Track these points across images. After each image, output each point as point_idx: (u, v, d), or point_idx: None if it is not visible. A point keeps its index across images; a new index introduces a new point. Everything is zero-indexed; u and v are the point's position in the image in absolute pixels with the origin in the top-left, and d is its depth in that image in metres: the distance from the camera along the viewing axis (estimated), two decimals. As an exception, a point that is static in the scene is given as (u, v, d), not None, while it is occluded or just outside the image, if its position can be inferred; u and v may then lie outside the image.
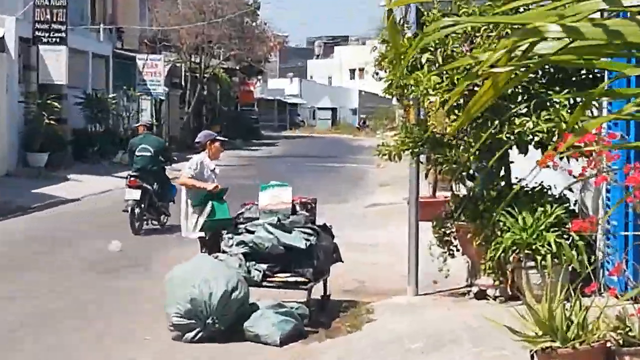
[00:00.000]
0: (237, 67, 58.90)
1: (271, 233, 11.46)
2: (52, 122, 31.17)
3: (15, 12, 31.92)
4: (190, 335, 10.21)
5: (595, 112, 9.10)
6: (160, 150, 20.32)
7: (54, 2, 32.54)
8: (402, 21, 12.97)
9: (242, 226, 11.80)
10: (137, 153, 19.61)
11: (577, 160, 9.39)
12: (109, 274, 14.33)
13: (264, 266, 11.34)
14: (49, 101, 31.23)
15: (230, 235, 11.75)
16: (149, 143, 19.82)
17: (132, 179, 19.02)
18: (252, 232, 11.56)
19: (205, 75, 52.14)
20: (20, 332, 10.71)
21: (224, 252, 11.61)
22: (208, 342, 10.12)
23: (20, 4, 33.13)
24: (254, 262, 11.33)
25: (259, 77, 72.28)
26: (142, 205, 18.89)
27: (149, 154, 19.49)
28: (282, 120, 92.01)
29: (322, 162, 40.95)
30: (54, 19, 32.29)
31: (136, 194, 18.70)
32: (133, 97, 41.58)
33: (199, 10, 48.76)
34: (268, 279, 11.34)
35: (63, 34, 32.42)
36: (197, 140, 13.77)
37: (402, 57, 11.43)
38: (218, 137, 13.84)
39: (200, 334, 10.20)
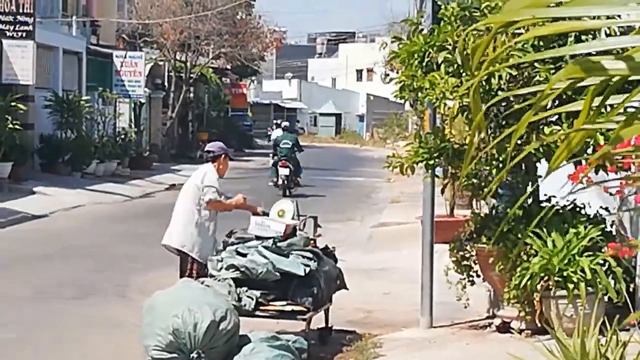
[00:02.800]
0: (229, 67, 58.98)
1: (266, 257, 11.46)
2: (16, 127, 31.15)
3: (-24, 2, 32.04)
4: (171, 372, 10.21)
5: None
6: (295, 144, 34.43)
7: (19, -9, 32.61)
8: (417, 15, 13.03)
9: (233, 248, 11.81)
10: (281, 145, 34.04)
11: (616, 174, 9.40)
12: (77, 301, 14.29)
13: (257, 293, 11.33)
14: (13, 103, 31.16)
15: (219, 258, 11.74)
16: (288, 139, 34.76)
17: (282, 161, 33.06)
18: (245, 255, 11.55)
19: (192, 75, 52.17)
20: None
21: (212, 276, 11.60)
22: (192, 381, 10.12)
23: (-19, -8, 33.23)
24: (245, 289, 11.32)
25: (253, 78, 72.61)
26: (289, 178, 32.86)
27: (288, 145, 33.80)
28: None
29: (324, 175, 41.01)
30: (20, 10, 32.23)
31: (286, 171, 32.81)
32: (109, 100, 41.53)
33: (185, 1, 48.81)
34: (261, 308, 11.32)
35: (30, 27, 32.38)
36: (209, 149, 13.73)
37: (417, 56, 11.53)
38: (227, 152, 13.78)
39: (183, 371, 10.20)
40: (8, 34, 32.01)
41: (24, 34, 32.25)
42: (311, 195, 32.41)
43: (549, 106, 11.26)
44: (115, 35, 48.06)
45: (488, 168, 11.61)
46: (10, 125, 30.75)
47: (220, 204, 12.91)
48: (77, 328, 12.57)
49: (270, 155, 36.49)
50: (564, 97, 11.19)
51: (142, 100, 45.65)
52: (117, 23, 48.29)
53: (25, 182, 30.69)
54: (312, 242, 12.20)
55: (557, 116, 11.21)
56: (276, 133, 39.14)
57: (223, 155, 13.33)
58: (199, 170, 13.24)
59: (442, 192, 15.17)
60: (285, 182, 32.56)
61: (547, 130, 11.04)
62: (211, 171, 13.02)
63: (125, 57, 43.63)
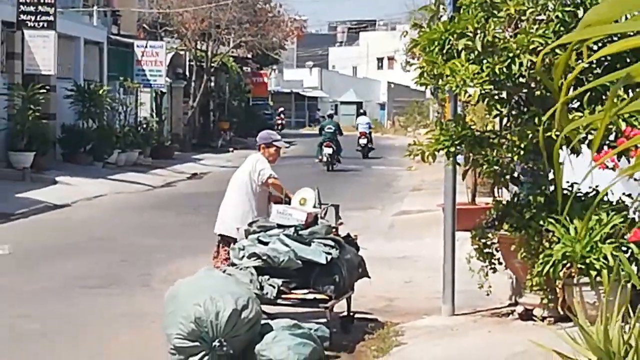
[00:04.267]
0: (249, 56, 59.05)
1: (287, 245, 11.46)
2: (38, 117, 31.26)
3: (-3, -8, 32.10)
4: (194, 359, 10.22)
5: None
6: (337, 128, 42.12)
7: (41, -17, 32.62)
8: (437, 2, 12.99)
9: (254, 236, 11.80)
10: (325, 130, 41.90)
11: None
12: (101, 290, 14.32)
13: (279, 281, 11.33)
14: (35, 93, 31.21)
15: (241, 246, 11.74)
16: (332, 124, 42.52)
17: (326, 142, 40.31)
18: (266, 244, 11.55)
19: (213, 64, 52.22)
20: (6, 353, 10.73)
21: (233, 265, 11.61)
22: (215, 368, 10.13)
23: (3, -17, 33.29)
24: (267, 277, 11.32)
25: (274, 67, 72.65)
26: (333, 156, 39.85)
27: (332, 130, 41.45)
28: (300, 116, 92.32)
29: (345, 163, 40.98)
30: (41, 1, 32.25)
31: (330, 150, 39.87)
32: (130, 90, 41.56)
33: (205, -8, 48.86)
34: (283, 296, 11.33)
35: (51, 18, 32.38)
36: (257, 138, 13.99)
37: (437, 43, 11.50)
38: (275, 142, 13.73)
39: (205, 358, 10.20)
40: (29, 24, 32.02)
41: (46, 24, 32.24)
42: (351, 170, 40.27)
43: (570, 92, 11.26)
44: (136, 25, 48.11)
45: (510, 155, 11.59)
46: (33, 116, 30.91)
47: (279, 183, 12.98)
48: (101, 318, 12.59)
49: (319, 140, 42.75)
50: (586, 84, 11.18)
51: (164, 90, 45.70)
52: (137, 13, 48.39)
53: (48, 172, 30.76)
54: (333, 230, 12.21)
55: (578, 103, 11.19)
56: (325, 122, 44.70)
57: (263, 145, 13.36)
58: (248, 160, 13.52)
59: (463, 178, 15.16)
60: (329, 159, 39.72)
61: (569, 117, 10.99)
62: (261, 159, 13.16)
63: (146, 46, 43.65)
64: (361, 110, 60.75)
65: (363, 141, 47.73)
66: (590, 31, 2.16)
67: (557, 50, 10.77)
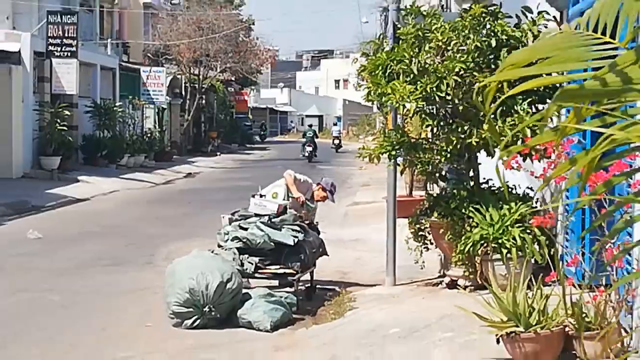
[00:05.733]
0: (233, 79, 58.94)
1: (262, 230, 11.48)
2: (63, 128, 31.22)
3: (30, 28, 31.97)
4: (188, 322, 10.20)
5: (555, 120, 9.15)
6: (314, 134, 48.42)
7: (65, 19, 32.56)
8: (381, 36, 13.00)
9: (236, 223, 11.81)
10: (307, 135, 47.80)
11: (539, 161, 9.41)
12: (114, 267, 14.29)
13: (256, 259, 11.35)
14: (60, 109, 31.23)
15: (225, 231, 11.75)
16: (310, 131, 48.55)
17: (308, 143, 46.19)
18: (246, 229, 11.56)
19: (204, 85, 52.16)
20: (18, 320, 10.67)
21: (220, 246, 11.61)
22: (205, 329, 10.12)
23: (35, 21, 33.13)
24: (247, 256, 11.34)
25: (253, 87, 72.44)
26: (312, 152, 45.39)
27: (311, 135, 47.47)
28: (273, 127, 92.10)
29: (310, 165, 41.00)
30: (66, 35, 32.27)
31: (310, 149, 45.67)
32: (137, 106, 41.48)
33: (197, 26, 48.75)
34: (259, 271, 11.36)
35: (74, 49, 32.40)
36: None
37: (381, 68, 11.51)
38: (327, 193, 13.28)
39: (197, 321, 10.19)
40: (56, 53, 32.10)
41: (69, 54, 32.30)
42: (322, 163, 43.11)
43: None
44: (142, 54, 48.04)
45: (439, 157, 11.63)
46: (59, 127, 30.91)
47: (293, 180, 12.86)
48: (112, 290, 12.55)
49: (302, 144, 48.50)
50: (499, 100, 11.20)
51: (164, 106, 45.61)
52: (143, 44, 48.24)
53: (71, 173, 30.66)
54: (300, 218, 12.22)
55: (493, 115, 11.20)
56: (306, 130, 51.00)
57: (322, 187, 13.12)
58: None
59: (402, 173, 15.18)
60: (310, 154, 45.71)
61: (485, 127, 11.03)
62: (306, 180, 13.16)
63: (150, 71, 43.65)
64: (334, 122, 70.79)
65: (336, 142, 58.30)
66: (510, 74, 2.23)
67: (475, 73, 10.87)
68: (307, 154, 46.04)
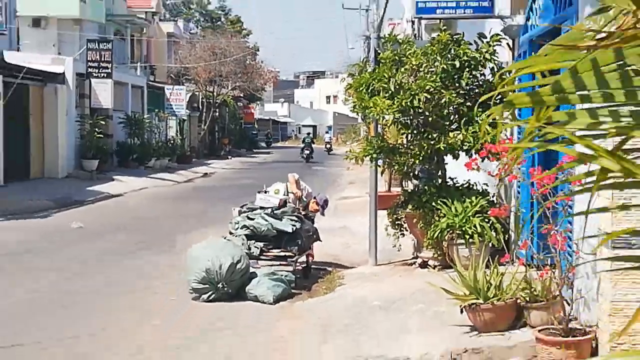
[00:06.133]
0: (241, 95, 58.84)
1: (266, 220, 11.49)
2: (100, 136, 31.26)
3: (73, 54, 32.06)
4: (205, 296, 10.21)
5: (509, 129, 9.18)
6: (311, 140, 48.85)
7: (102, 46, 32.58)
8: (365, 60, 13.02)
9: (245, 214, 11.81)
10: (305, 140, 48.45)
11: (496, 163, 9.42)
12: (144, 251, 14.29)
13: (261, 244, 11.37)
14: (98, 121, 31.27)
15: (236, 221, 11.76)
16: (308, 138, 49.15)
17: (306, 147, 46.88)
18: (252, 219, 11.57)
19: (217, 101, 52.05)
20: (67, 295, 10.68)
21: (231, 233, 11.62)
22: (219, 302, 10.13)
23: (77, 47, 33.21)
24: (253, 241, 11.35)
25: (258, 102, 72.41)
26: (309, 154, 45.76)
27: (309, 140, 48.09)
28: (275, 135, 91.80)
29: (306, 166, 40.98)
30: (102, 59, 32.24)
31: (308, 151, 46.10)
32: (162, 118, 41.46)
33: (212, 52, 48.72)
34: (264, 254, 11.37)
35: (109, 70, 32.37)
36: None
37: (364, 86, 11.53)
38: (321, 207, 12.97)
39: (212, 296, 10.20)
40: (94, 74, 32.07)
41: (105, 75, 32.26)
42: (317, 164, 42.71)
43: (452, 118, 11.32)
44: (165, 75, 47.98)
45: (412, 160, 11.65)
46: (97, 136, 30.93)
47: (295, 182, 12.78)
48: (142, 270, 12.56)
49: (300, 147, 49.82)
50: (462, 112, 11.24)
51: (184, 118, 45.54)
52: (167, 67, 48.20)
53: (107, 173, 30.63)
54: (297, 210, 12.22)
55: (457, 125, 11.25)
56: (304, 137, 51.56)
57: (316, 201, 12.81)
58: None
59: (382, 173, 15.18)
60: (307, 156, 46.34)
61: (451, 134, 11.07)
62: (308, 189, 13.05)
63: (172, 89, 43.59)
64: (326, 130, 72.95)
65: (328, 146, 60.22)
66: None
67: (443, 91, 10.89)
68: (305, 156, 46.62)
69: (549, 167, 5.97)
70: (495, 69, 11.11)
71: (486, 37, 11.28)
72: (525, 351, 7.18)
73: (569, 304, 7.23)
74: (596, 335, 6.76)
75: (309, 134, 54.44)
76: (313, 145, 49.61)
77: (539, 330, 7.08)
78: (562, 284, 7.25)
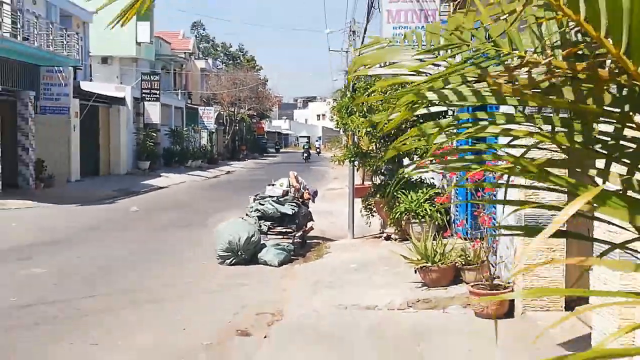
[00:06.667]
0: (255, 114, 58.73)
1: (273, 205, 11.48)
2: (151, 144, 31.20)
3: (131, 83, 31.92)
4: (228, 261, 10.21)
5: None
6: (309, 146, 49.28)
7: (152, 77, 32.48)
8: (345, 88, 13.01)
9: (257, 201, 11.80)
10: (304, 147, 49.33)
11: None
12: (183, 228, 14.28)
13: (269, 223, 11.37)
14: (149, 133, 31.23)
15: (250, 206, 11.74)
16: (307, 145, 50.14)
17: (305, 150, 48.18)
18: (263, 205, 11.56)
19: (237, 118, 51.94)
20: (131, 258, 10.67)
21: (247, 215, 11.60)
22: (238, 265, 10.13)
23: (134, 79, 33.11)
24: (263, 221, 11.35)
25: (267, 119, 72.13)
26: (308, 156, 46.31)
27: (307, 146, 49.24)
28: (279, 143, 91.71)
29: (303, 165, 40.95)
30: (153, 87, 32.16)
31: (307, 154, 47.03)
32: (197, 131, 41.41)
33: (232, 82, 48.78)
34: (270, 231, 11.37)
35: (157, 96, 32.28)
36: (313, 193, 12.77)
37: (344, 107, 11.53)
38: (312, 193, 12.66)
39: (233, 261, 10.21)
40: (147, 98, 32.00)
41: (155, 99, 32.18)
42: (313, 163, 42.25)
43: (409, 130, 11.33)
44: (199, 99, 47.80)
45: (379, 162, 11.67)
46: (148, 143, 30.85)
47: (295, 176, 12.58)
48: (182, 241, 12.53)
49: (302, 151, 51.85)
50: (416, 125, 11.21)
51: (213, 130, 45.37)
52: (200, 93, 48.04)
53: (156, 171, 30.58)
54: (296, 198, 12.22)
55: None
56: (304, 144, 53.52)
57: (309, 192, 12.51)
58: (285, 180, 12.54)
59: (357, 171, 15.18)
60: (306, 158, 47.72)
61: (407, 142, 11.06)
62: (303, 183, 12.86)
63: (204, 109, 43.61)
64: (317, 140, 73.47)
65: (318, 150, 62.33)
66: (363, 71, 1.83)
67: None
68: (304, 158, 48.37)
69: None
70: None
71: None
72: (461, 301, 7.23)
73: (493, 267, 7.28)
74: (513, 289, 6.81)
75: (307, 142, 55.84)
76: (310, 151, 51.49)
77: (472, 286, 7.12)
78: (488, 251, 7.29)
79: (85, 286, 8.72)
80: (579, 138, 1.31)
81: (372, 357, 5.75)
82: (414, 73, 1.67)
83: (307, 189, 12.92)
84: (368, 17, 17.93)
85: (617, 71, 1.19)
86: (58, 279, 9.16)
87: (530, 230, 1.41)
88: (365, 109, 11.08)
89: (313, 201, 13.03)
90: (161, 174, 29.57)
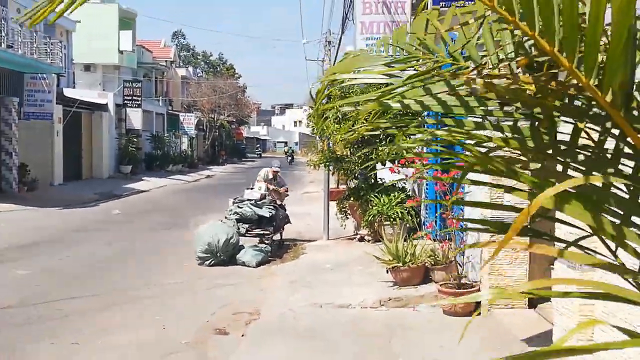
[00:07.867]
0: (234, 120, 58.48)
1: (251, 208, 11.44)
2: (133, 149, 30.92)
3: (113, 90, 31.66)
4: (207, 262, 10.16)
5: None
6: (292, 150, 52.20)
7: (134, 84, 32.27)
8: (317, 95, 13.02)
9: (236, 204, 11.76)
10: (288, 152, 51.86)
11: (410, 168, 9.50)
12: (165, 230, 14.16)
13: (247, 226, 11.31)
14: (131, 138, 30.96)
15: (230, 209, 11.69)
16: (290, 150, 52.21)
17: (289, 153, 51.56)
18: (241, 208, 11.52)
19: (216, 124, 51.68)
20: (114, 259, 10.56)
21: (226, 217, 11.55)
22: (217, 266, 10.08)
23: (116, 85, 32.83)
24: (241, 223, 11.30)
25: (246, 125, 71.92)
26: (292, 160, 47.54)
27: (290, 151, 51.85)
28: (258, 148, 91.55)
29: (282, 170, 40.80)
30: (134, 94, 31.92)
31: (291, 157, 49.53)
32: (177, 136, 41.10)
33: (213, 89, 48.55)
34: (248, 233, 11.32)
35: (139, 102, 32.03)
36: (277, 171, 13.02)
37: (319, 114, 11.54)
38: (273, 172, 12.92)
39: (213, 262, 10.16)
40: (129, 105, 31.77)
41: (137, 105, 31.95)
42: (295, 166, 43.17)
43: (381, 137, 11.38)
44: (180, 106, 47.50)
45: (354, 166, 11.71)
46: (130, 148, 30.59)
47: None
48: (163, 243, 12.43)
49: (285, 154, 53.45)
50: (388, 133, 11.28)
51: (193, 136, 45.07)
52: (181, 99, 47.75)
53: (138, 175, 30.30)
54: (274, 201, 12.20)
55: (384, 142, 11.31)
56: (287, 149, 55.33)
57: (274, 171, 12.75)
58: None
59: (333, 175, 15.21)
60: (290, 160, 49.57)
61: (380, 149, 11.14)
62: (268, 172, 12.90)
63: (185, 115, 43.32)
64: (293, 144, 75.07)
65: (294, 155, 57.10)
66: (331, 77, 1.80)
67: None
68: (289, 161, 50.31)
69: (448, 171, 6.08)
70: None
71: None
72: (430, 299, 7.28)
73: (461, 266, 7.35)
74: (480, 288, 6.88)
75: (290, 147, 58.92)
76: (293, 154, 54.45)
77: (440, 285, 7.18)
78: (456, 252, 7.35)
79: (67, 287, 8.61)
80: (533, 143, 1.34)
81: (346, 352, 5.77)
82: (386, 76, 1.67)
83: (285, 186, 12.96)
84: (343, 28, 18.01)
85: (571, 83, 1.22)
86: (41, 280, 9.03)
87: (495, 224, 1.44)
88: (340, 115, 11.12)
89: (286, 195, 13.02)
90: (143, 178, 29.29)
